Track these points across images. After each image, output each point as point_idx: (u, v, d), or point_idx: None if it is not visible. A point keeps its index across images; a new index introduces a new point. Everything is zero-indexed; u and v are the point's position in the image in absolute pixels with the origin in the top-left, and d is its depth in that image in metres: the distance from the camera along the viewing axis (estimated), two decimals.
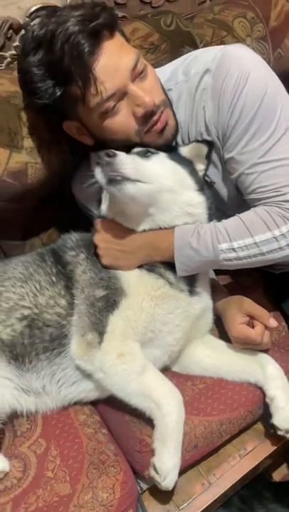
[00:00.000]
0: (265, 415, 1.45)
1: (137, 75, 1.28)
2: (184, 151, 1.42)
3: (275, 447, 1.49)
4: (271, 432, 1.44)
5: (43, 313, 1.37)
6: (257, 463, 1.48)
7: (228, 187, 1.49)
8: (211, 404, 1.42)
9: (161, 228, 1.36)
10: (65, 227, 1.59)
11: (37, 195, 1.58)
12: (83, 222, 1.62)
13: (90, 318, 1.33)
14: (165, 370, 1.48)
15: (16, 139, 1.46)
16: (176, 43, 1.70)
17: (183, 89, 1.40)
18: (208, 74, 1.33)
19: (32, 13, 1.58)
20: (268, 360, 1.43)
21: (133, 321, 1.33)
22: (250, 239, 1.33)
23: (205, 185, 1.44)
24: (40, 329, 1.36)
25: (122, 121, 1.31)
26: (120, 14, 1.77)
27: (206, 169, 1.44)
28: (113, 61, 1.24)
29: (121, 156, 1.22)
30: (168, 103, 1.36)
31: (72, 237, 1.50)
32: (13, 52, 1.61)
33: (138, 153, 1.34)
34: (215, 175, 1.47)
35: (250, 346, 1.43)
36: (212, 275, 1.66)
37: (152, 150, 1.34)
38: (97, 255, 1.41)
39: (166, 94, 1.38)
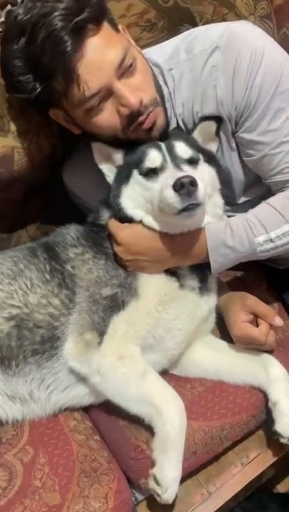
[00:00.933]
0: (267, 421, 1.47)
1: (125, 70, 1.30)
2: (195, 134, 1.45)
3: (280, 456, 1.52)
4: (275, 438, 1.46)
5: (34, 313, 1.38)
6: (260, 472, 1.51)
7: (235, 171, 1.52)
8: (212, 408, 1.45)
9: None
10: (55, 219, 1.61)
11: (25, 184, 1.60)
12: (74, 212, 1.65)
13: (91, 316, 1.36)
14: (162, 373, 1.49)
15: (2, 121, 1.47)
16: (174, 21, 1.73)
17: (185, 68, 1.43)
18: (218, 51, 1.36)
19: None
20: (272, 362, 1.46)
21: (137, 323, 1.36)
22: (287, 225, 1.37)
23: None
24: (30, 330, 1.37)
25: (107, 119, 1.34)
26: None
27: (218, 147, 1.48)
28: (97, 58, 1.25)
29: (200, 183, 1.24)
30: (158, 101, 1.38)
31: (72, 233, 1.50)
32: None
33: (186, 161, 1.35)
34: (219, 158, 1.50)
35: (253, 346, 1.46)
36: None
37: (194, 157, 1.36)
38: (115, 256, 1.42)
39: (158, 89, 1.40)
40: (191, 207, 1.26)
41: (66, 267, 1.43)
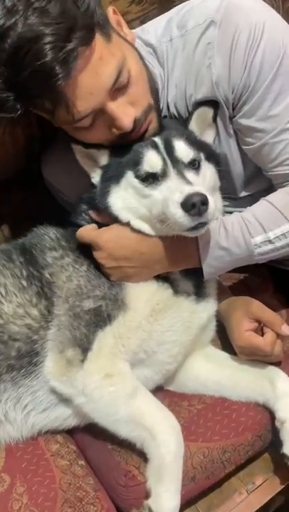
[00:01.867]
0: (275, 442, 1.45)
1: (118, 88, 1.28)
2: (192, 125, 1.44)
3: None
4: (284, 462, 1.43)
5: (9, 324, 1.37)
6: (267, 500, 1.49)
7: (233, 160, 1.51)
8: (212, 427, 1.42)
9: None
10: (34, 217, 1.58)
11: None
12: (54, 209, 1.63)
13: (72, 332, 1.34)
14: (157, 389, 1.48)
15: None
16: None
17: (178, 45, 1.41)
18: (214, 26, 1.34)
19: None
20: (279, 375, 1.44)
21: (126, 338, 1.34)
22: (287, 225, 1.36)
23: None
24: (5, 343, 1.36)
25: (98, 136, 1.34)
26: None
27: (215, 135, 1.47)
28: (89, 82, 1.23)
29: (210, 200, 1.23)
30: (152, 105, 1.37)
31: (51, 234, 1.49)
32: None
33: (189, 165, 1.34)
34: (216, 147, 1.49)
35: (258, 358, 1.44)
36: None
37: (196, 158, 1.35)
38: (97, 261, 1.40)
39: (152, 87, 1.38)
40: (200, 225, 1.25)
41: (44, 273, 1.41)
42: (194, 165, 1.35)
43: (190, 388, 1.51)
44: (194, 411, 1.46)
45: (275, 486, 1.50)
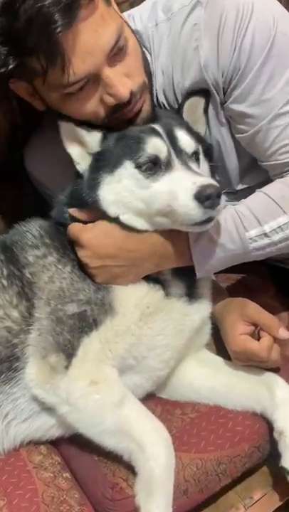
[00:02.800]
0: (273, 454, 1.47)
1: (117, 52, 1.32)
2: (185, 116, 1.47)
3: None
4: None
5: None
6: None
7: (226, 150, 1.54)
8: (206, 437, 1.45)
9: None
10: (18, 211, 1.62)
11: None
12: (38, 202, 1.67)
13: (55, 337, 1.36)
14: (148, 396, 1.52)
15: None
16: None
17: (164, 30, 1.46)
18: (200, 6, 1.38)
19: None
20: (278, 382, 1.47)
21: (113, 343, 1.37)
22: (284, 217, 1.39)
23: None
24: None
25: (88, 106, 1.36)
26: None
27: (206, 128, 1.50)
28: (88, 41, 1.27)
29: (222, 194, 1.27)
30: (146, 84, 1.40)
31: (33, 230, 1.51)
32: None
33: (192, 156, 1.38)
34: (206, 136, 1.53)
35: (254, 363, 1.47)
36: (211, 276, 1.70)
37: (197, 150, 1.39)
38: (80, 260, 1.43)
39: (146, 67, 1.42)
40: (209, 220, 1.28)
41: (25, 272, 1.44)
42: (196, 157, 1.39)
43: (183, 395, 1.54)
44: (187, 420, 1.49)
45: (274, 502, 1.53)
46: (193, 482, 1.41)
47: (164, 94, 1.50)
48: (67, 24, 1.22)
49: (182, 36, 1.41)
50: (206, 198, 1.24)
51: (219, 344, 1.57)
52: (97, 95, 1.35)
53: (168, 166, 1.34)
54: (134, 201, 1.36)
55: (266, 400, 1.46)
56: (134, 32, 1.47)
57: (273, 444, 1.46)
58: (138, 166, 1.34)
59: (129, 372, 1.43)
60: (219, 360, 1.56)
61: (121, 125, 1.42)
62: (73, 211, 1.45)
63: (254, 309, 1.47)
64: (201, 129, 1.49)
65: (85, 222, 1.43)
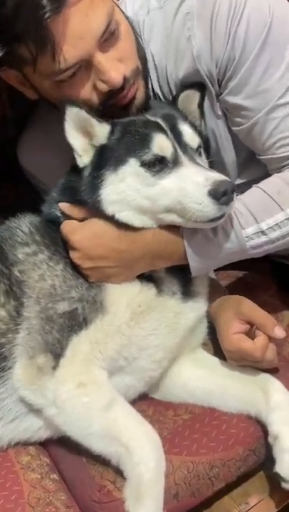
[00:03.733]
0: (269, 459, 1.45)
1: (108, 38, 1.33)
2: (180, 106, 1.47)
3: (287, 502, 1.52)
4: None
5: None
6: None
7: (222, 144, 1.54)
8: (198, 440, 1.45)
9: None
10: (14, 212, 1.62)
11: None
12: (31, 197, 1.67)
13: (44, 336, 1.37)
14: (140, 397, 1.52)
15: None
16: None
17: (156, 18, 1.46)
18: None
19: None
20: (274, 384, 1.45)
21: (103, 343, 1.37)
22: (281, 214, 1.39)
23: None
24: None
25: (81, 94, 1.37)
26: None
27: (201, 122, 1.50)
28: (79, 25, 1.28)
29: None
30: (140, 70, 1.41)
31: (24, 227, 1.51)
32: None
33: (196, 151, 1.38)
34: (202, 130, 1.52)
35: (248, 363, 1.46)
36: (211, 274, 1.70)
37: (200, 145, 1.39)
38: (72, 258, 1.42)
39: (140, 53, 1.43)
40: (224, 215, 1.29)
41: (13, 270, 1.44)
42: (199, 152, 1.39)
43: (176, 397, 1.54)
44: (180, 421, 1.49)
45: (270, 508, 1.51)
46: (184, 486, 1.41)
47: (159, 84, 1.50)
48: (55, 9, 1.23)
49: (175, 26, 1.41)
50: (222, 194, 1.24)
51: (216, 344, 1.56)
52: (90, 82, 1.35)
53: (175, 162, 1.33)
54: (138, 199, 1.35)
55: (261, 403, 1.44)
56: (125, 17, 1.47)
57: (269, 448, 1.44)
58: (143, 164, 1.33)
59: (120, 373, 1.43)
60: (215, 360, 1.55)
61: (116, 113, 1.41)
62: (64, 207, 1.45)
63: (249, 307, 1.46)
64: (196, 122, 1.49)
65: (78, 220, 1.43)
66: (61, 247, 1.45)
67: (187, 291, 1.49)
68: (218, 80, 1.41)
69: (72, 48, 1.28)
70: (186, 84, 1.44)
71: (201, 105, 1.46)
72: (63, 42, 1.26)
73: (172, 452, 1.42)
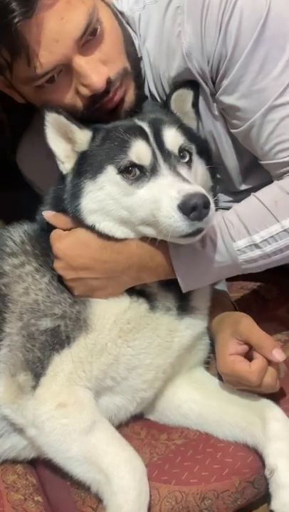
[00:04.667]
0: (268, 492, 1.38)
1: (89, 38, 1.29)
2: (173, 107, 1.43)
3: None
4: None
5: None
6: None
7: (223, 148, 1.48)
8: (190, 468, 1.39)
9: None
10: (7, 213, 1.62)
11: None
12: (32, 203, 1.63)
13: (25, 354, 1.35)
14: (134, 418, 1.49)
15: None
16: None
17: (152, 12, 1.41)
18: None
19: None
20: (273, 412, 1.38)
21: (87, 363, 1.34)
22: (276, 225, 1.31)
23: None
24: None
25: (64, 100, 1.35)
26: None
27: (198, 123, 1.45)
28: (53, 28, 1.26)
29: (212, 203, 1.22)
30: (128, 70, 1.37)
31: (16, 236, 1.49)
32: None
33: (180, 158, 1.33)
34: (200, 131, 1.48)
35: (246, 388, 1.39)
36: (222, 285, 1.64)
37: (189, 150, 1.34)
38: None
39: (131, 52, 1.39)
40: (198, 231, 1.23)
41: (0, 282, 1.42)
42: (185, 157, 1.33)
43: (171, 419, 1.49)
44: (172, 447, 1.44)
45: None
46: None
47: (155, 84, 1.46)
48: (26, 13, 1.20)
49: (166, 21, 1.37)
50: (191, 209, 1.18)
51: None
52: (71, 87, 1.33)
53: (153, 171, 1.29)
54: (117, 210, 1.32)
55: (258, 432, 1.37)
56: (120, 13, 1.45)
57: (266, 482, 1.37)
58: (120, 172, 1.30)
59: (109, 393, 1.40)
60: (213, 382, 1.49)
61: (103, 117, 1.39)
62: (49, 216, 1.42)
63: (247, 326, 1.39)
64: (191, 123, 1.44)
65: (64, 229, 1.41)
66: (50, 257, 1.42)
67: (184, 306, 1.44)
68: (211, 79, 1.35)
69: (47, 52, 1.26)
70: (178, 84, 1.40)
71: (195, 105, 1.41)
72: (38, 46, 1.25)
73: (160, 480, 1.37)
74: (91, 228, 1.36)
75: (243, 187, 1.53)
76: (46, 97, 1.35)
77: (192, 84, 1.38)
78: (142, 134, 1.31)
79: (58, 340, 1.35)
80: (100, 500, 1.33)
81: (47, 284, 1.40)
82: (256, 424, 1.38)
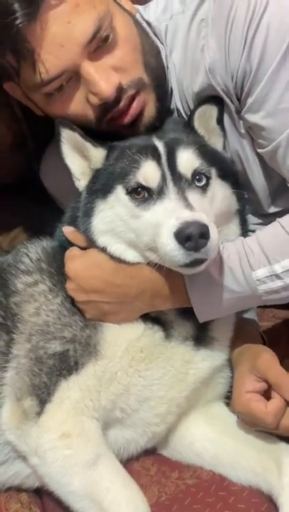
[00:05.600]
0: None
1: (98, 45, 1.27)
2: (196, 125, 1.39)
3: None
4: None
5: None
6: None
7: (250, 167, 1.42)
8: (199, 511, 1.33)
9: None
10: (36, 227, 1.62)
11: None
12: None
13: (32, 379, 1.33)
14: (146, 452, 1.45)
15: None
16: None
17: (179, 23, 1.38)
18: None
19: None
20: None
21: (95, 391, 1.31)
22: None
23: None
24: None
25: (73, 109, 1.33)
26: None
27: (224, 141, 1.41)
28: (59, 32, 1.24)
29: (212, 233, 1.17)
30: (145, 82, 1.34)
31: (33, 253, 1.48)
32: None
33: (193, 182, 1.29)
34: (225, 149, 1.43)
35: (261, 428, 1.32)
36: (251, 314, 1.59)
37: (205, 173, 1.29)
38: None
39: (155, 64, 1.37)
40: (197, 262, 1.18)
41: (9, 301, 1.41)
42: (200, 181, 1.28)
43: (184, 457, 1.44)
44: (182, 486, 1.39)
45: None
46: None
47: (180, 99, 1.43)
48: (29, 15, 1.20)
49: (191, 33, 1.34)
50: (186, 238, 1.14)
51: None
52: (81, 95, 1.31)
53: (160, 193, 1.25)
54: (126, 231, 1.30)
55: (274, 480, 1.31)
56: (147, 23, 1.43)
57: None
58: (129, 192, 1.27)
59: (119, 425, 1.37)
60: (231, 419, 1.43)
61: (123, 132, 1.37)
62: (69, 232, 1.41)
63: (265, 361, 1.32)
64: (216, 142, 1.40)
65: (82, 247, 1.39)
66: (65, 276, 1.39)
67: (203, 337, 1.39)
68: (236, 95, 1.31)
69: (52, 57, 1.24)
70: (202, 100, 1.36)
71: (220, 121, 1.37)
72: (43, 51, 1.23)
73: None
74: (103, 250, 1.33)
75: (273, 209, 1.46)
76: (56, 105, 1.34)
77: (216, 99, 1.34)
78: (155, 154, 1.28)
79: (66, 365, 1.32)
80: None
81: (59, 304, 1.38)
82: (272, 470, 1.32)
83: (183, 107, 1.43)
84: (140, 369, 1.33)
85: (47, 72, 1.25)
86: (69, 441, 1.28)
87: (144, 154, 1.28)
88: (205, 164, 1.29)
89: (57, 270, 1.42)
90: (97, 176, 1.36)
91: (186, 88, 1.38)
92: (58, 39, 1.23)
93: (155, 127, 1.39)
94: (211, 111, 1.36)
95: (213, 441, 1.41)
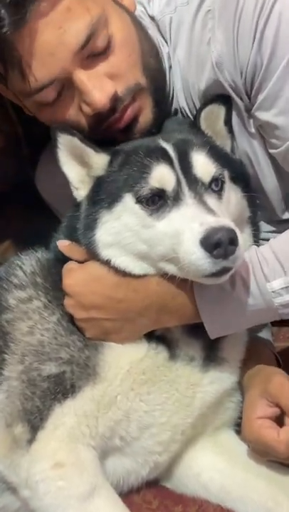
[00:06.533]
0: None
1: (91, 52, 1.25)
2: (203, 126, 1.34)
3: None
4: None
5: None
6: None
7: (261, 170, 1.38)
8: None
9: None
10: (31, 236, 1.53)
11: None
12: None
13: (24, 403, 1.27)
14: (148, 484, 1.38)
15: None
16: None
17: (184, 15, 1.34)
18: None
19: None
20: None
21: (92, 417, 1.25)
22: None
23: None
24: None
25: (65, 116, 1.31)
26: None
27: (232, 143, 1.37)
28: (49, 39, 1.22)
29: (240, 238, 1.13)
30: (143, 86, 1.31)
31: (27, 265, 1.43)
32: None
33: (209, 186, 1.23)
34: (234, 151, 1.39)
35: (273, 458, 1.25)
36: (266, 333, 1.54)
37: (221, 177, 1.24)
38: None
39: (152, 67, 1.33)
40: (225, 270, 1.13)
41: (1, 319, 1.36)
42: (217, 186, 1.23)
43: (189, 489, 1.38)
44: None
45: None
46: None
47: (185, 98, 1.39)
48: (17, 22, 1.18)
49: (196, 26, 1.31)
50: (214, 245, 1.08)
51: None
52: (74, 103, 1.29)
53: (176, 200, 1.19)
54: (135, 243, 1.24)
55: None
56: (151, 18, 1.41)
57: None
58: (139, 201, 1.21)
59: (117, 454, 1.30)
60: (241, 448, 1.35)
61: (117, 137, 1.33)
62: (64, 246, 1.35)
63: (278, 385, 1.25)
64: (225, 144, 1.35)
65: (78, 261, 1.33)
66: (62, 292, 1.34)
67: (212, 357, 1.33)
68: (246, 92, 1.27)
69: (42, 65, 1.23)
70: (208, 99, 1.32)
71: (228, 122, 1.32)
72: (31, 59, 1.22)
73: None
74: (106, 263, 1.27)
75: (287, 215, 1.43)
76: (48, 113, 1.32)
77: (224, 99, 1.30)
78: (165, 157, 1.22)
79: (62, 388, 1.26)
80: None
81: (55, 323, 1.32)
82: (284, 505, 1.25)
83: (188, 106, 1.40)
84: (142, 393, 1.28)
85: (36, 80, 1.23)
86: (62, 472, 1.21)
87: (154, 158, 1.22)
88: (219, 167, 1.24)
89: (53, 285, 1.36)
90: (99, 184, 1.30)
91: (191, 86, 1.35)
92: (48, 47, 1.21)
93: (151, 132, 1.35)
94: (218, 111, 1.32)
95: (222, 472, 1.35)
